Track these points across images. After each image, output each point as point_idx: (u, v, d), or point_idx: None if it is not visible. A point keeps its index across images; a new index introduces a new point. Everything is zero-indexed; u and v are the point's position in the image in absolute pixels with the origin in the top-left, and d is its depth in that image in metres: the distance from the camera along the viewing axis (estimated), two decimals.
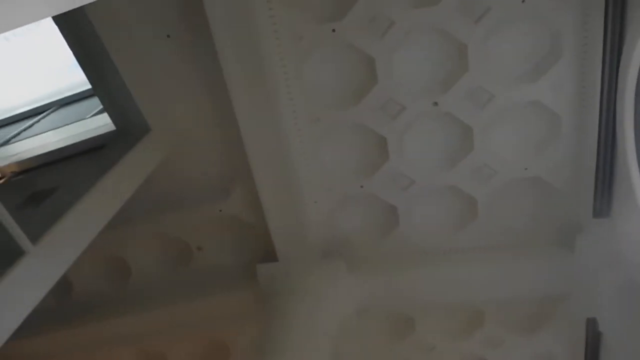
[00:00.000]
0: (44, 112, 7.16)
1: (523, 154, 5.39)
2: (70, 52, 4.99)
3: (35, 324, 4.26)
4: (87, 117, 6.06)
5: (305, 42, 4.88)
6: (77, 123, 5.84)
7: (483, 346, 6.79)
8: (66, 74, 7.53)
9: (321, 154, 5.61)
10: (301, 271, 5.97)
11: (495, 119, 5.16)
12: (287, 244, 6.00)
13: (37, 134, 6.04)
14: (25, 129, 6.58)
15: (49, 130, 6.03)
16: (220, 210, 6.11)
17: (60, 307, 6.89)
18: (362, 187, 5.83)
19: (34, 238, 3.68)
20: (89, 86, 6.03)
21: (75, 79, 7.15)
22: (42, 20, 2.26)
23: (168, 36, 5.04)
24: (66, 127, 5.87)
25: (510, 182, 5.58)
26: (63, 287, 6.80)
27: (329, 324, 5.85)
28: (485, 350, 6.84)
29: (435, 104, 5.13)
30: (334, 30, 4.81)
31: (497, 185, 5.60)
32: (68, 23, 4.78)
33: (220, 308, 6.36)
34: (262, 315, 6.05)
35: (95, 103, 6.29)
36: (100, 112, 6.04)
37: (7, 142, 6.21)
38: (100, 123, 5.45)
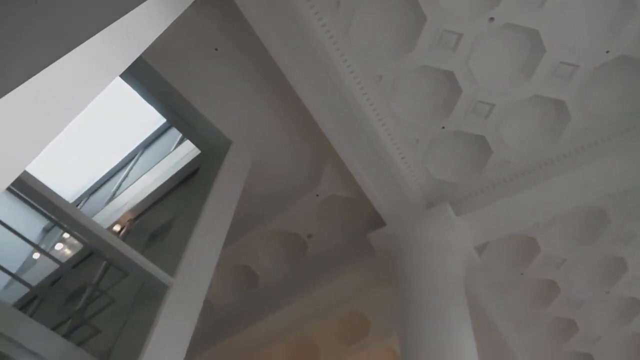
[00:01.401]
0: (132, 159, 7.67)
1: (599, 37, 5.09)
2: (133, 97, 5.31)
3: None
4: (172, 150, 6.43)
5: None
6: (166, 158, 6.21)
7: (614, 244, 6.55)
8: (138, 117, 7.98)
9: (394, 109, 5.61)
10: (411, 227, 6.03)
11: (557, 10, 4.90)
12: (389, 206, 6.08)
13: (135, 181, 6.49)
14: (123, 180, 7.09)
15: (143, 174, 6.46)
16: (317, 195, 6.29)
17: (205, 328, 7.41)
18: (443, 128, 5.78)
19: (171, 272, 4.00)
20: (163, 120, 6.37)
21: (147, 119, 7.57)
22: None
23: (216, 49, 5.23)
24: (157, 165, 6.27)
25: (593, 71, 5.30)
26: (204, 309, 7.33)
27: (454, 270, 5.89)
28: (618, 247, 6.59)
29: (492, 19, 4.96)
30: None
31: (581, 79, 5.33)
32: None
33: (347, 285, 6.57)
34: (389, 280, 6.20)
35: (174, 134, 6.64)
36: (181, 140, 6.38)
37: (113, 197, 6.74)
38: (186, 151, 5.78)
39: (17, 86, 1.64)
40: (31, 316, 4.32)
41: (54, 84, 1.81)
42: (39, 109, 1.79)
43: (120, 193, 6.55)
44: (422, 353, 5.24)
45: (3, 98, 1.57)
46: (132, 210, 5.36)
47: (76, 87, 1.97)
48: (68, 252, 6.73)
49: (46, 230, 8.47)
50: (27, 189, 3.39)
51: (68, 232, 4.77)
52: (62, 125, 1.89)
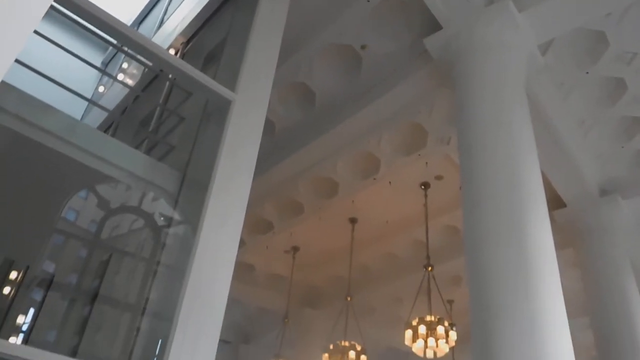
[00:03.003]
0: None
1: None
2: None
3: None
4: None
5: None
6: None
7: None
8: None
9: None
10: (470, 27, 5.71)
11: None
12: (446, 4, 5.73)
13: (181, 2, 6.30)
14: (169, 4, 6.95)
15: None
16: (368, 1, 5.99)
17: (268, 148, 7.75)
18: None
19: (232, 87, 4.08)
20: None
21: None
22: None
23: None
24: None
25: None
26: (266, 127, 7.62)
27: (516, 70, 5.68)
28: None
29: None
30: None
31: None
32: None
33: (404, 95, 6.54)
34: (447, 87, 6.11)
35: None
36: None
37: (162, 23, 6.67)
38: None
39: None
40: None
41: None
42: None
43: (169, 18, 6.46)
44: (481, 157, 5.35)
45: None
46: (183, 33, 5.32)
47: None
48: (130, 81, 6.94)
49: (104, 64, 8.68)
50: (86, 14, 3.39)
51: (130, 56, 4.86)
52: None
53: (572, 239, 8.18)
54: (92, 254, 4.68)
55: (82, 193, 4.55)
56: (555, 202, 8.01)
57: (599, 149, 7.81)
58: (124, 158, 3.52)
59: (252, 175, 3.75)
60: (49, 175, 3.47)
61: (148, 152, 4.34)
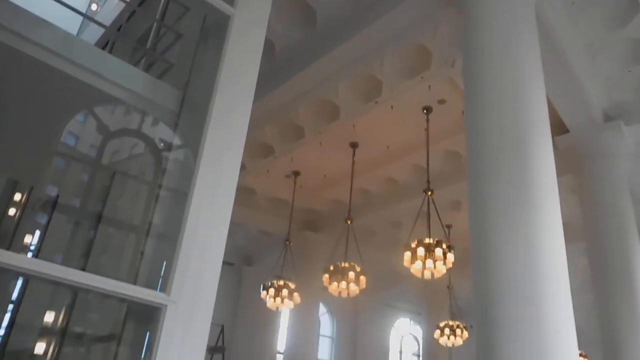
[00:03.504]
0: None
1: None
2: None
3: None
4: None
5: None
6: None
7: None
8: None
9: None
10: None
11: None
12: None
13: None
14: None
15: None
16: None
17: (268, 70, 7.57)
18: None
19: (230, 1, 3.90)
20: None
21: None
22: None
23: None
24: None
25: None
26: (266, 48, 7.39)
27: None
28: None
29: None
30: None
31: None
32: None
33: (407, 14, 6.31)
34: (454, 8, 5.88)
35: None
36: None
37: None
38: None
39: None
40: None
41: None
42: None
43: None
44: (487, 80, 5.25)
45: None
46: None
47: None
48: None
49: None
50: None
51: None
52: None
53: (572, 165, 8.19)
54: (95, 177, 4.69)
55: (81, 117, 4.49)
56: (557, 128, 7.95)
57: (606, 72, 7.65)
58: (122, 75, 3.43)
59: (252, 95, 3.68)
60: (47, 94, 3.39)
61: (146, 70, 4.23)
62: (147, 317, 2.44)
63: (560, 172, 5.21)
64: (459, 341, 11.05)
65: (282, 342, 13.81)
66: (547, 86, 5.51)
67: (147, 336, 2.50)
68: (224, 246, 2.78)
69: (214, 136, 3.35)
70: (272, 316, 13.54)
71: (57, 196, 4.76)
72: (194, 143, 3.41)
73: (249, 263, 14.91)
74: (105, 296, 2.44)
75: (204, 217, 2.88)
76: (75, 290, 2.87)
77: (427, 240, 6.97)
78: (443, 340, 11.12)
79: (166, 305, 2.28)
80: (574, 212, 8.11)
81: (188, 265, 2.50)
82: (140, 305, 2.35)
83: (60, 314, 3.23)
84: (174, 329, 2.28)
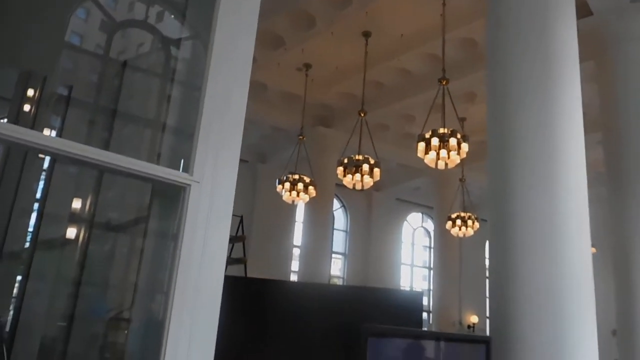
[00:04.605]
0: None
1: None
2: None
3: None
4: None
5: None
6: None
7: None
8: None
9: None
10: None
11: None
12: None
13: None
14: None
15: None
16: None
17: None
18: None
19: None
20: None
21: None
22: None
23: None
24: None
25: None
26: None
27: None
28: None
29: None
30: None
31: None
32: None
33: None
34: None
35: None
36: None
37: None
38: None
39: None
40: None
41: None
42: None
43: None
44: None
45: None
46: None
47: None
48: None
49: None
50: None
51: None
52: None
53: (594, 50, 7.90)
54: (105, 70, 4.63)
55: (82, 12, 4.34)
56: (580, 10, 7.56)
57: None
58: None
59: None
60: None
61: None
62: (171, 200, 2.51)
63: (581, 59, 5.03)
64: (469, 232, 11.30)
65: (298, 236, 14.35)
66: None
67: (174, 217, 2.58)
68: (241, 137, 2.78)
69: (224, 22, 3.24)
70: (288, 210, 13.94)
71: (70, 91, 4.74)
72: (203, 34, 3.30)
73: (263, 160, 15.10)
74: (129, 179, 2.50)
75: (220, 111, 2.83)
76: (100, 177, 2.94)
77: (441, 131, 6.93)
78: (454, 231, 11.36)
79: (190, 185, 2.33)
80: (592, 102, 7.94)
81: (206, 158, 2.53)
82: (165, 186, 2.40)
83: (87, 200, 3.34)
84: (198, 208, 2.35)
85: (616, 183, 7.57)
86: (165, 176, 2.26)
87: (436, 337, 3.67)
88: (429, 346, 2.96)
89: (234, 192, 2.48)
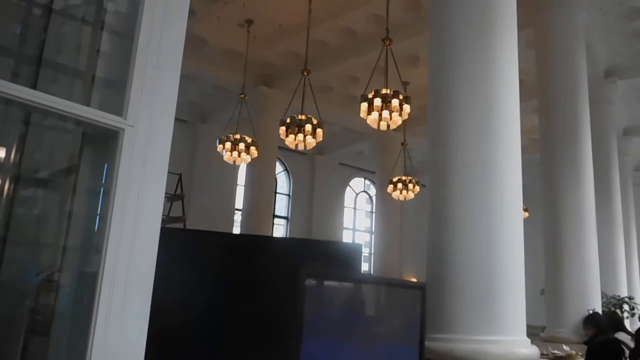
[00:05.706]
0: None
1: None
2: None
3: None
4: None
5: None
6: None
7: None
8: None
9: None
10: None
11: None
12: None
13: None
14: None
15: None
16: None
17: None
18: None
19: None
20: None
21: None
22: None
23: None
24: None
25: None
26: None
27: None
28: None
29: None
30: None
31: None
32: None
33: None
34: None
35: None
36: None
37: None
38: None
39: None
40: None
41: None
42: None
43: None
44: None
45: None
46: None
47: None
48: None
49: None
50: None
51: None
52: None
53: (533, 17, 8.09)
54: (30, 14, 4.28)
55: None
56: None
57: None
58: None
59: None
60: None
61: None
62: (104, 146, 2.37)
63: (521, 25, 5.13)
64: (410, 195, 11.54)
65: (239, 199, 14.21)
66: None
67: (106, 165, 2.45)
68: (179, 74, 2.64)
69: None
70: (229, 172, 13.74)
71: None
72: None
73: (204, 120, 14.71)
74: (59, 121, 2.34)
75: (152, 59, 2.66)
76: (27, 121, 2.73)
77: (384, 91, 6.94)
78: (395, 194, 11.59)
79: (123, 129, 2.20)
80: (528, 69, 8.17)
81: (142, 93, 2.39)
82: (97, 131, 2.26)
83: (12, 148, 3.11)
84: (132, 154, 2.22)
85: (548, 149, 7.90)
86: (98, 119, 2.12)
87: (376, 281, 3.75)
88: (369, 290, 3.02)
89: (170, 140, 2.36)
